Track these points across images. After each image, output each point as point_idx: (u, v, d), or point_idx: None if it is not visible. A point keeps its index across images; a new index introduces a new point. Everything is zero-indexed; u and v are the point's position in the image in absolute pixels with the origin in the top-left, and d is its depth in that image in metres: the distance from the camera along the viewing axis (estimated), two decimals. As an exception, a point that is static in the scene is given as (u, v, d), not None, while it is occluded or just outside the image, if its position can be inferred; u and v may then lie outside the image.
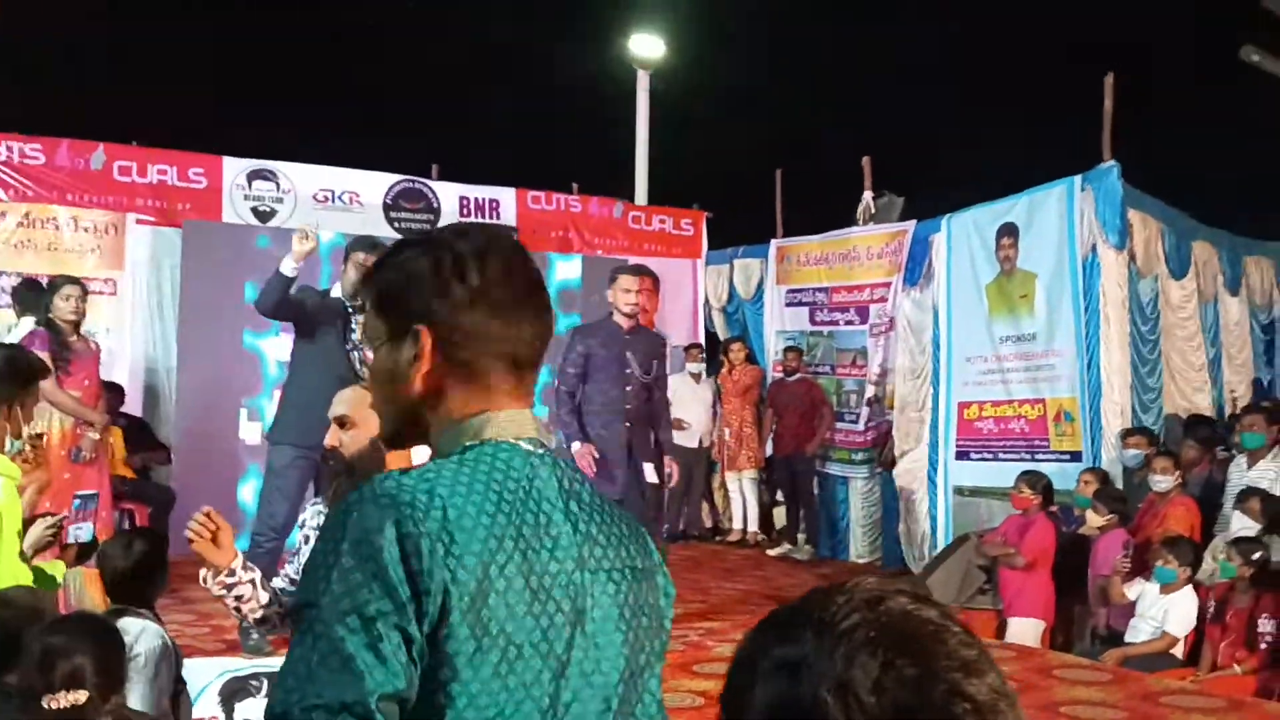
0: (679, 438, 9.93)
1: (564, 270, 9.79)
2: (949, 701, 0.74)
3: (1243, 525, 6.27)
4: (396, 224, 9.90)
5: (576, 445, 6.03)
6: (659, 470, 6.38)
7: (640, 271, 6.40)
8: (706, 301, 11.32)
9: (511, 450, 1.34)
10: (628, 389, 6.12)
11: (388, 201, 9.90)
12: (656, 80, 12.20)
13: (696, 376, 10.19)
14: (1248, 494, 6.44)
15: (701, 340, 11.17)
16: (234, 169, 9.31)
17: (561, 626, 1.26)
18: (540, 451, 1.37)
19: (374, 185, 9.87)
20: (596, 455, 5.97)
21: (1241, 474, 6.90)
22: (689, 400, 9.93)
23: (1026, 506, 7.04)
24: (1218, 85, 12.22)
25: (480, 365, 1.37)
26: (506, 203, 10.36)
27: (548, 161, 12.29)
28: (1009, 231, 8.24)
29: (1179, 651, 5.92)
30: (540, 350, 1.43)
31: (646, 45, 12.15)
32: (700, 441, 10.12)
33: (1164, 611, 5.96)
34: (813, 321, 10.20)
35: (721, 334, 11.17)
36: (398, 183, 9.99)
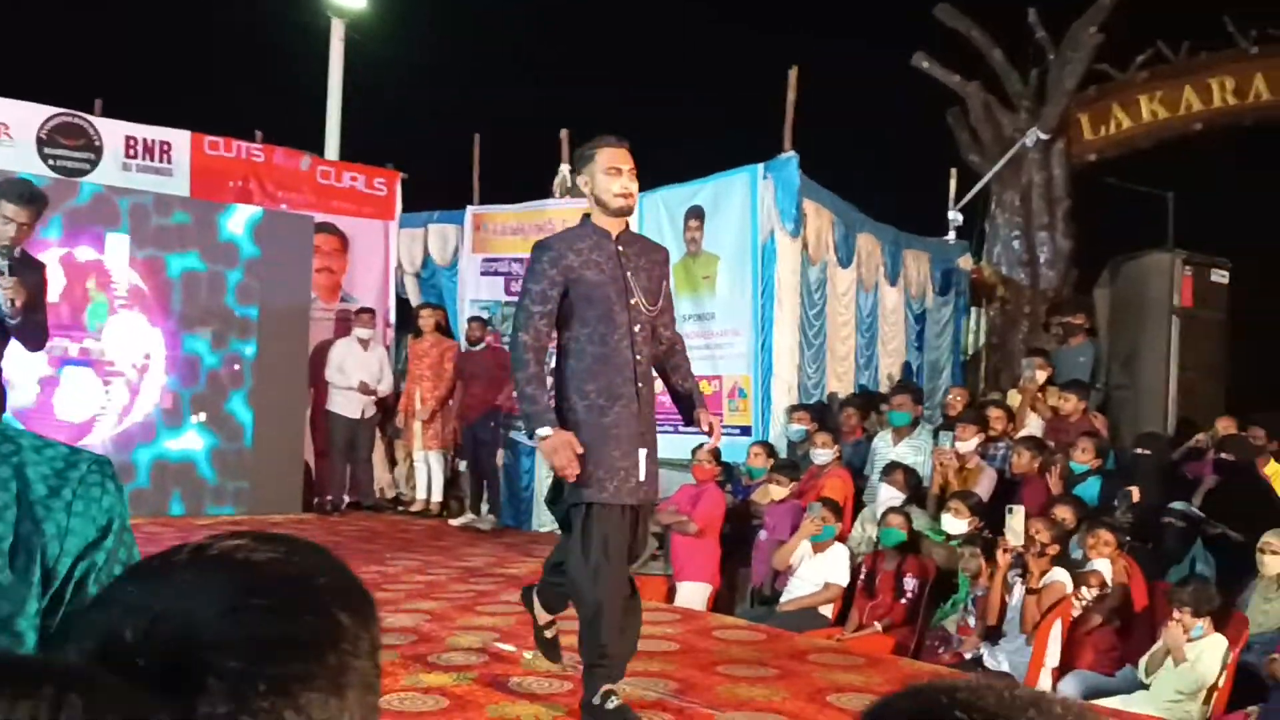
0: (341, 403, 9.71)
1: (237, 221, 9.17)
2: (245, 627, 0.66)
3: (890, 495, 6.80)
4: (52, 162, 8.99)
5: (545, 430, 3.74)
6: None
7: (625, 142, 4.02)
8: (400, 266, 11.01)
9: None
10: (635, 331, 3.89)
11: (42, 136, 8.98)
12: (353, 30, 11.70)
13: (365, 343, 9.88)
14: (892, 467, 7.01)
15: (392, 306, 10.89)
16: None
17: None
18: None
19: (26, 117, 8.92)
20: (579, 448, 3.74)
21: (888, 448, 7.51)
22: (354, 368, 9.74)
23: (709, 477, 7.35)
24: (892, 87, 13.13)
25: None
26: (180, 145, 9.63)
27: (229, 106, 11.53)
28: (696, 214, 8.53)
29: (829, 612, 6.35)
30: None
31: (344, -8, 11.64)
32: (363, 411, 9.87)
33: (826, 567, 6.38)
34: (508, 292, 10.12)
35: (414, 300, 10.90)
36: (54, 116, 9.07)
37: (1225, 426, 7.25)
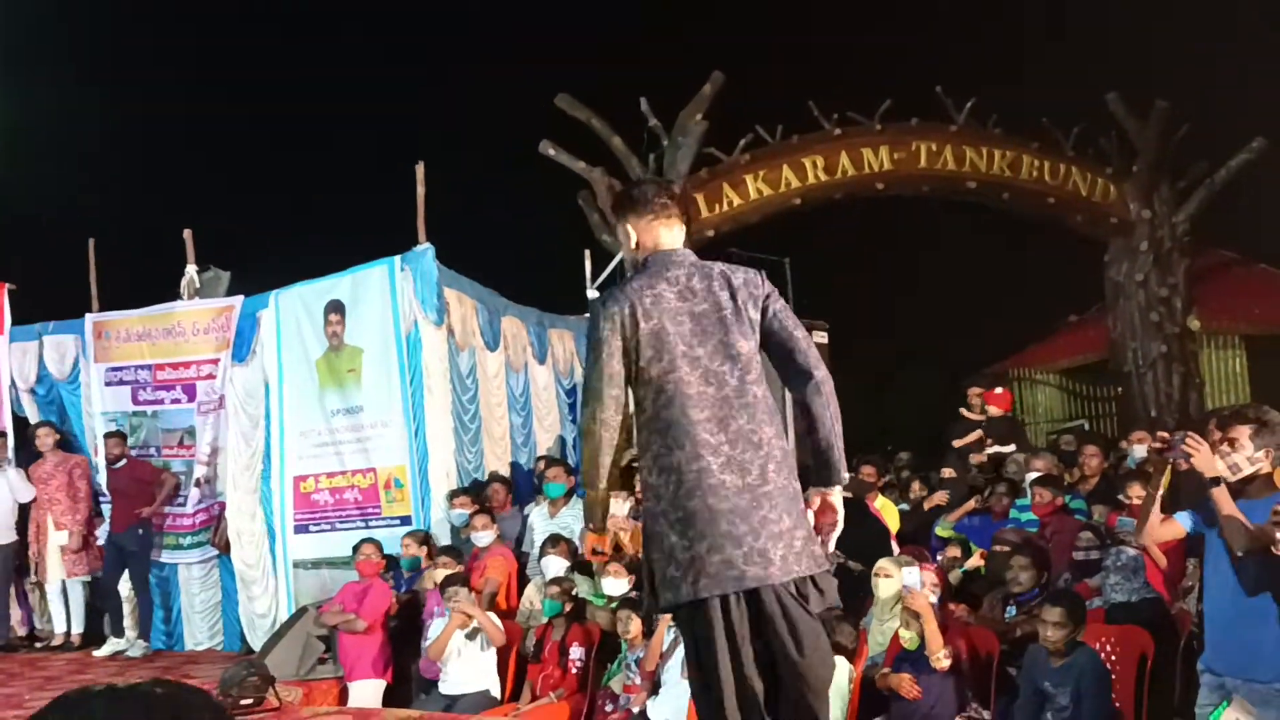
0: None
1: None
2: None
3: (559, 566, 7.01)
4: None
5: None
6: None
7: None
8: (13, 383, 10.12)
9: None
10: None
11: None
12: (-60, 135, 10.75)
13: None
14: (556, 540, 7.24)
15: (8, 427, 9.97)
16: None
17: None
18: None
19: None
20: None
21: (546, 521, 7.76)
22: None
23: (376, 571, 7.28)
24: (522, 174, 13.67)
25: None
26: None
27: None
28: (336, 308, 8.50)
29: (498, 692, 6.45)
30: None
31: (-74, 94, 10.70)
32: None
33: (475, 646, 6.47)
34: (135, 401, 9.58)
35: (32, 418, 10.04)
36: None
37: (837, 469, 8.06)
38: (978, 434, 8.27)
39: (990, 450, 8.19)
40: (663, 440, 3.07)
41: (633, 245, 3.29)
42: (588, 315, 11.35)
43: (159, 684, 1.04)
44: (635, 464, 3.60)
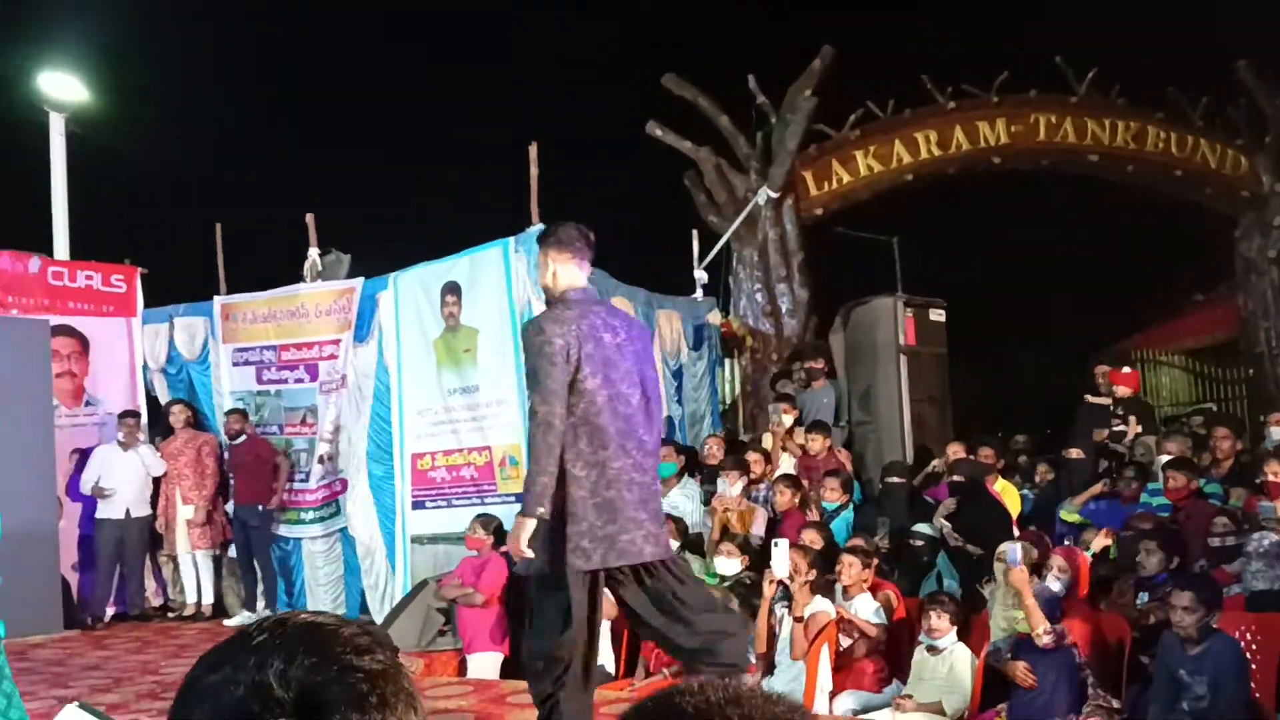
0: (105, 507, 9.27)
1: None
2: (344, 675, 0.93)
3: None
4: None
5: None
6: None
7: None
8: (145, 364, 10.54)
9: None
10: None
11: None
12: (73, 124, 11.17)
13: (124, 445, 9.47)
14: (667, 520, 7.26)
15: (142, 405, 10.39)
16: None
17: None
18: None
19: None
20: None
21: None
22: (117, 469, 9.33)
23: (480, 547, 7.40)
24: (630, 155, 13.67)
25: None
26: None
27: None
28: (452, 289, 8.64)
29: (611, 668, 6.51)
30: None
31: (61, 85, 11.11)
32: (128, 511, 9.37)
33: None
34: (260, 380, 9.89)
35: (163, 397, 10.45)
36: None
37: (955, 451, 7.93)
38: (1121, 427, 8.00)
39: (1117, 428, 7.94)
40: (589, 441, 3.82)
41: (549, 275, 4.08)
42: (696, 296, 11.40)
43: (347, 622, 0.99)
44: None
